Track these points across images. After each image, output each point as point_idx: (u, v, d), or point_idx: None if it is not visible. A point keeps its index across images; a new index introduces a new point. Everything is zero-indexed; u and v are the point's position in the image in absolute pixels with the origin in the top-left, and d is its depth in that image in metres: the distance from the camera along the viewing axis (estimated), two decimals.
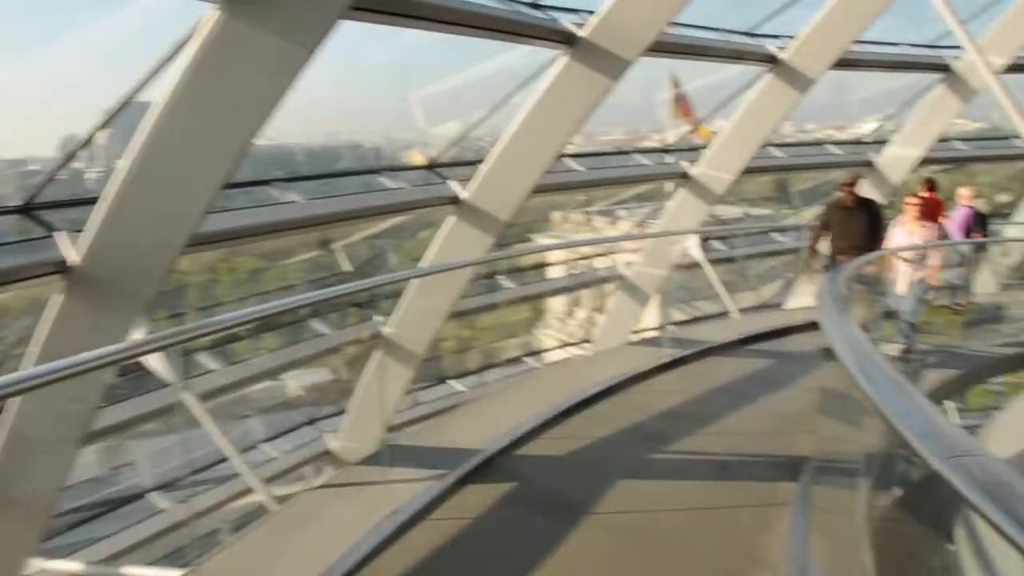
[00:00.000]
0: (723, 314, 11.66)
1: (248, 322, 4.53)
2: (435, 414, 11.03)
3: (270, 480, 8.99)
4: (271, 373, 9.64)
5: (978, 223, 10.95)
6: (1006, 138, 13.47)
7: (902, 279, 7.73)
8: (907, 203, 8.11)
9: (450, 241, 8.23)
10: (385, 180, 8.77)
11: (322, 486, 5.17)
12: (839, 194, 7.38)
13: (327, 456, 9.80)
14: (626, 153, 10.98)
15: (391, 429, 9.31)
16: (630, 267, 11.53)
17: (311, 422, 10.62)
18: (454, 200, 8.28)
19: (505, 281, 11.19)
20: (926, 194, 10.38)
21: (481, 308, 9.86)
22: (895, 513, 4.53)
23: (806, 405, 6.41)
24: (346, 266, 10.84)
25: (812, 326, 9.90)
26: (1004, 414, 7.21)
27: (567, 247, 11.15)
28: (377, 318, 9.66)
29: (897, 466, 4.45)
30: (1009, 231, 12.95)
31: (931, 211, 10.46)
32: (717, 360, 8.15)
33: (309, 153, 19.22)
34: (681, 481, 5.28)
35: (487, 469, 5.29)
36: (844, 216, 7.32)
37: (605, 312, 11.77)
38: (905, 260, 7.72)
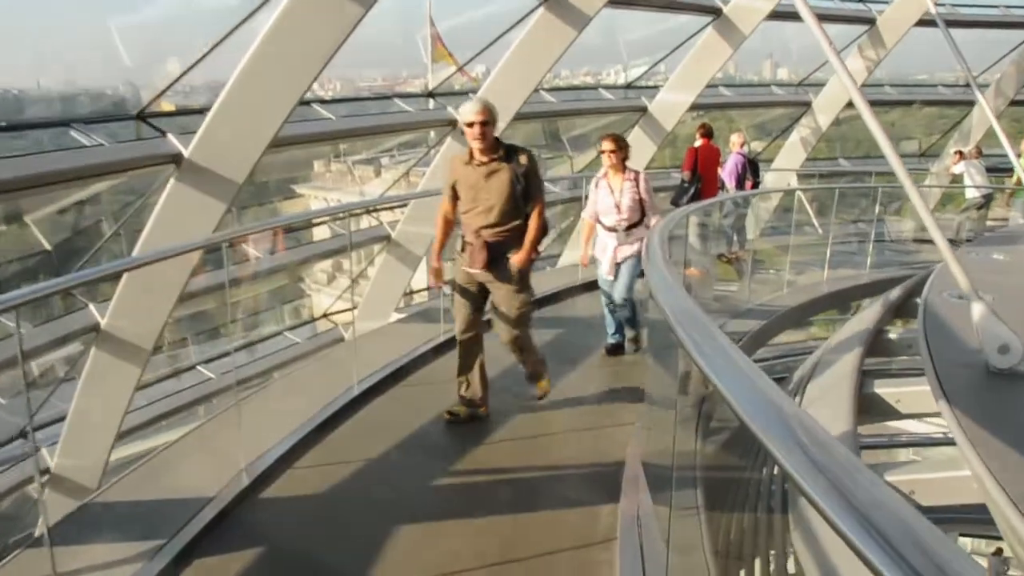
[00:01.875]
0: None
1: None
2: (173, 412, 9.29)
3: None
4: None
5: (751, 170, 10.86)
6: (767, 85, 13.73)
7: (606, 258, 6.13)
8: (603, 151, 6.01)
9: (171, 209, 6.53)
10: (79, 135, 6.80)
11: None
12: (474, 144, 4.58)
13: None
14: (386, 98, 9.66)
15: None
16: (396, 226, 10.31)
17: None
18: (175, 159, 6.56)
19: (253, 249, 9.54)
20: (703, 141, 10.07)
21: (219, 286, 8.14)
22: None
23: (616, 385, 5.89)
24: (44, 244, 8.66)
25: (593, 286, 9.31)
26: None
27: (329, 214, 9.61)
28: (92, 308, 7.67)
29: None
30: (770, 178, 13.17)
31: (710, 159, 10.19)
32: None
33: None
34: (487, 518, 4.04)
35: (221, 528, 3.94)
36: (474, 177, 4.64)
37: (371, 280, 10.48)
38: (609, 230, 6.07)
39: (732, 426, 3.65)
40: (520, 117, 10.62)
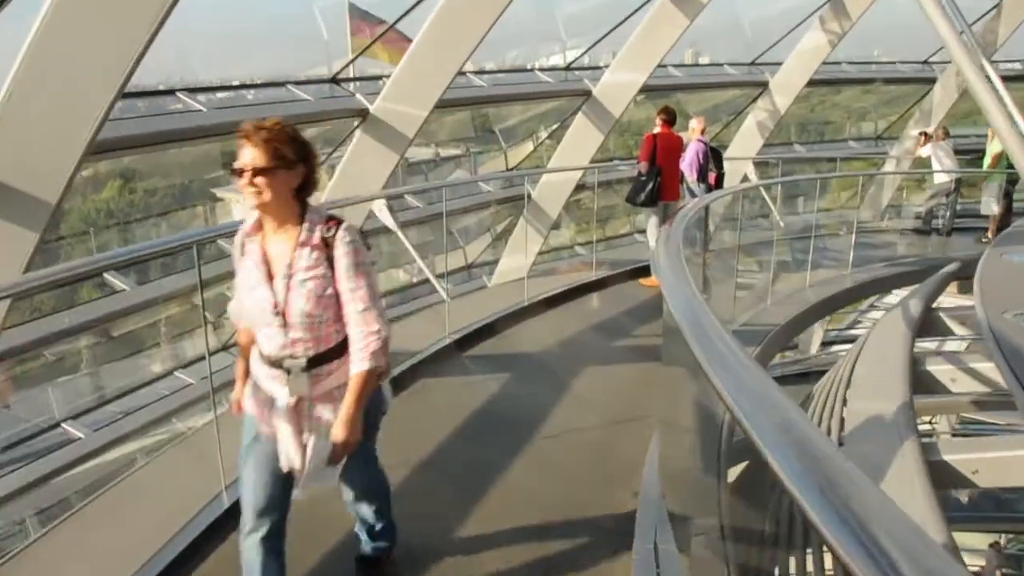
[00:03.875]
0: (431, 291, 9.21)
1: None
2: None
3: None
4: None
5: (713, 159, 9.42)
6: (720, 64, 12.34)
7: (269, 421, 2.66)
8: (238, 170, 2.32)
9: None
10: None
11: None
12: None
13: None
14: (278, 85, 7.88)
15: None
16: None
17: None
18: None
19: (119, 280, 7.63)
20: (662, 129, 8.56)
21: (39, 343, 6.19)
22: None
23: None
24: None
25: (549, 304, 7.72)
26: None
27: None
28: None
29: None
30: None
31: (671, 148, 8.69)
32: (431, 384, 5.57)
33: None
34: None
35: None
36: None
37: None
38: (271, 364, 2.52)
39: None
40: (444, 105, 8.95)
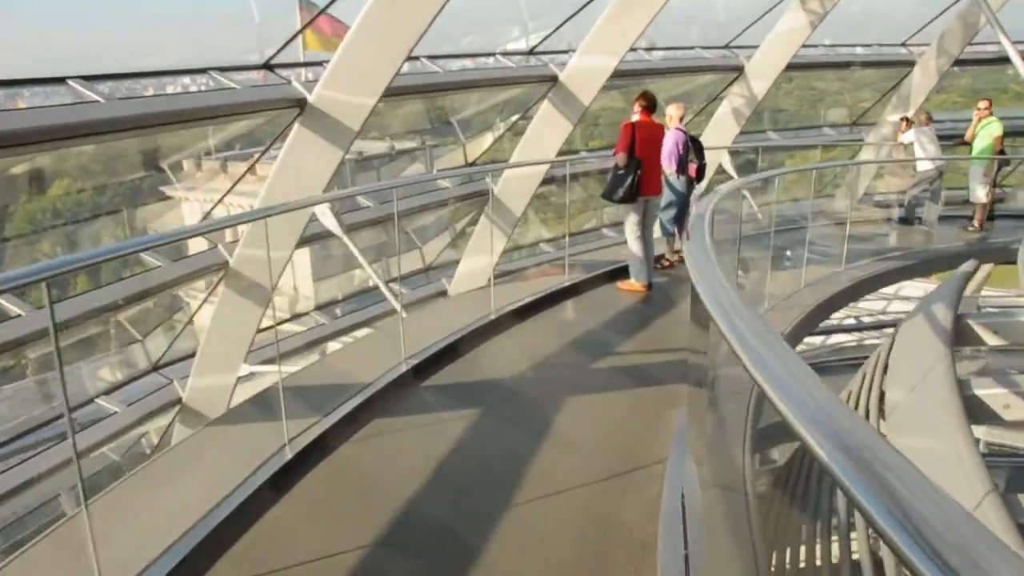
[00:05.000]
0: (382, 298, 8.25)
1: None
2: None
3: None
4: None
5: (694, 150, 8.58)
6: (692, 48, 11.49)
7: None
8: None
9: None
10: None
11: None
12: None
13: None
14: (197, 72, 6.83)
15: None
16: (237, 248, 7.50)
17: None
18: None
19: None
20: (641, 117, 7.69)
21: None
22: None
23: None
24: None
25: (519, 316, 6.81)
26: None
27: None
28: None
29: None
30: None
31: (652, 138, 7.82)
32: (385, 427, 4.63)
33: None
34: None
35: None
36: None
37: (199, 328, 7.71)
38: None
39: None
40: (395, 94, 7.97)
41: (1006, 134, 11.54)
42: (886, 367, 4.97)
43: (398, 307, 6.59)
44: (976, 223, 11.69)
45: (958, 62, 12.89)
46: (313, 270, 13.74)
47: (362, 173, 11.65)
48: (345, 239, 7.00)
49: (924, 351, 4.75)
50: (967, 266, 6.25)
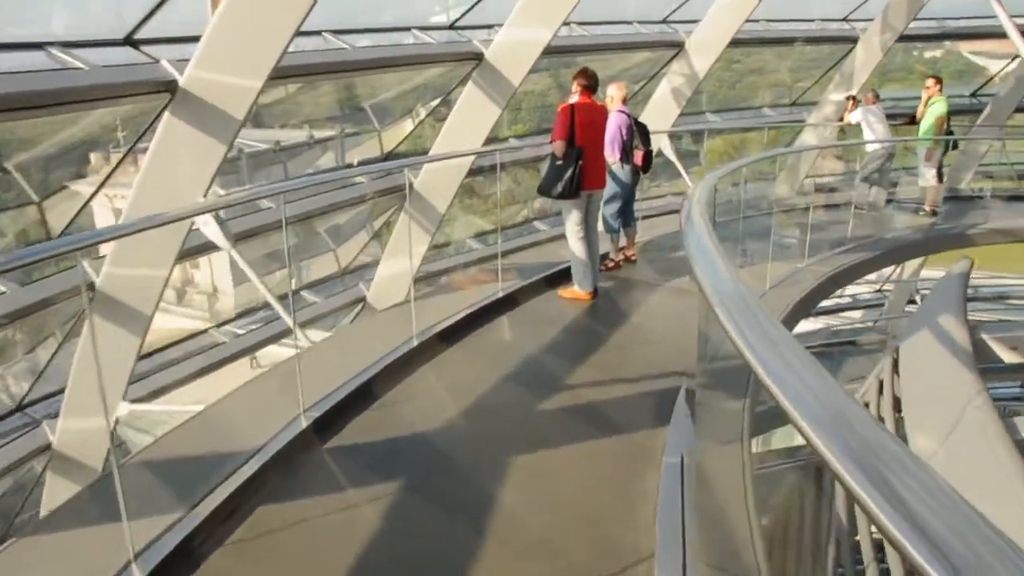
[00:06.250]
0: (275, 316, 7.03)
1: None
2: None
3: None
4: None
5: (639, 135, 7.61)
6: (629, 22, 10.49)
7: None
8: None
9: None
10: None
11: None
12: None
13: None
14: (33, 48, 5.48)
15: None
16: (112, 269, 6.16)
17: None
18: None
19: None
20: (581, 98, 6.64)
21: None
22: None
23: None
24: None
25: (446, 339, 5.72)
26: None
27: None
28: None
29: None
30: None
31: (594, 123, 6.79)
32: (272, 519, 3.48)
33: None
34: None
35: None
36: None
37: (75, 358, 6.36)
38: None
39: None
40: (290, 75, 6.74)
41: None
42: (897, 401, 4.09)
43: (299, 336, 5.43)
44: (927, 208, 11.10)
45: (902, 38, 12.26)
46: (233, 271, 12.32)
47: (262, 169, 10.30)
48: (233, 253, 5.78)
49: (946, 383, 3.86)
50: (960, 267, 5.46)
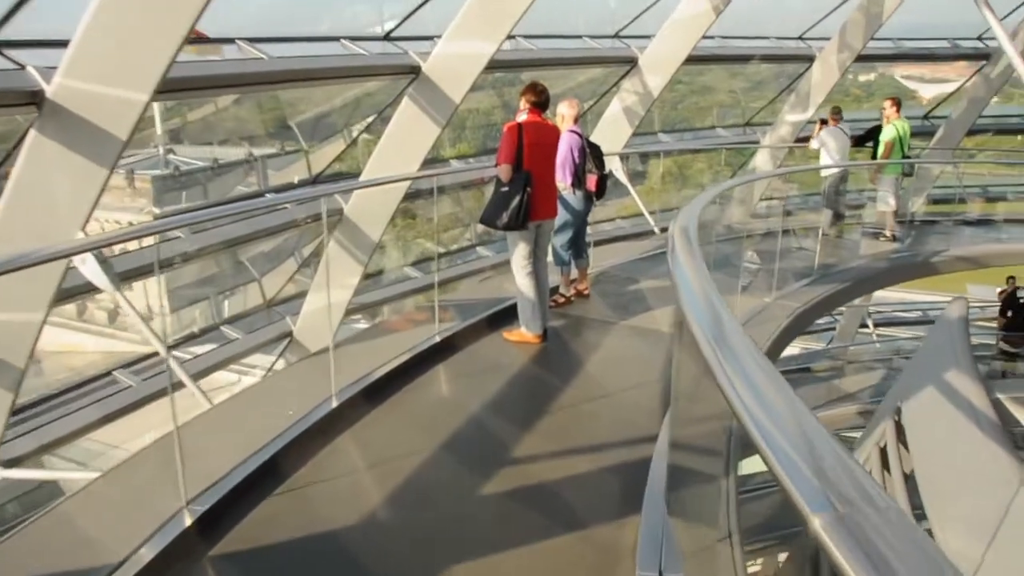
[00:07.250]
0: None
1: None
2: None
3: None
4: None
5: (593, 157, 6.90)
6: (578, 36, 9.84)
7: None
8: None
9: None
10: None
11: None
12: None
13: None
14: None
15: None
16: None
17: None
18: None
19: None
20: (530, 116, 5.90)
21: None
22: None
23: None
24: None
25: (373, 398, 4.88)
26: None
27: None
28: None
29: None
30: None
31: (544, 143, 6.05)
32: None
33: None
34: None
35: None
36: None
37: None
38: None
39: None
40: (184, 88, 5.86)
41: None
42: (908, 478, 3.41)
43: (194, 391, 4.54)
44: (887, 233, 10.66)
45: (859, 58, 11.87)
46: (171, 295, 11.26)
47: (169, 193, 9.32)
48: (118, 295, 4.87)
49: (977, 463, 3.19)
50: (957, 309, 4.84)
